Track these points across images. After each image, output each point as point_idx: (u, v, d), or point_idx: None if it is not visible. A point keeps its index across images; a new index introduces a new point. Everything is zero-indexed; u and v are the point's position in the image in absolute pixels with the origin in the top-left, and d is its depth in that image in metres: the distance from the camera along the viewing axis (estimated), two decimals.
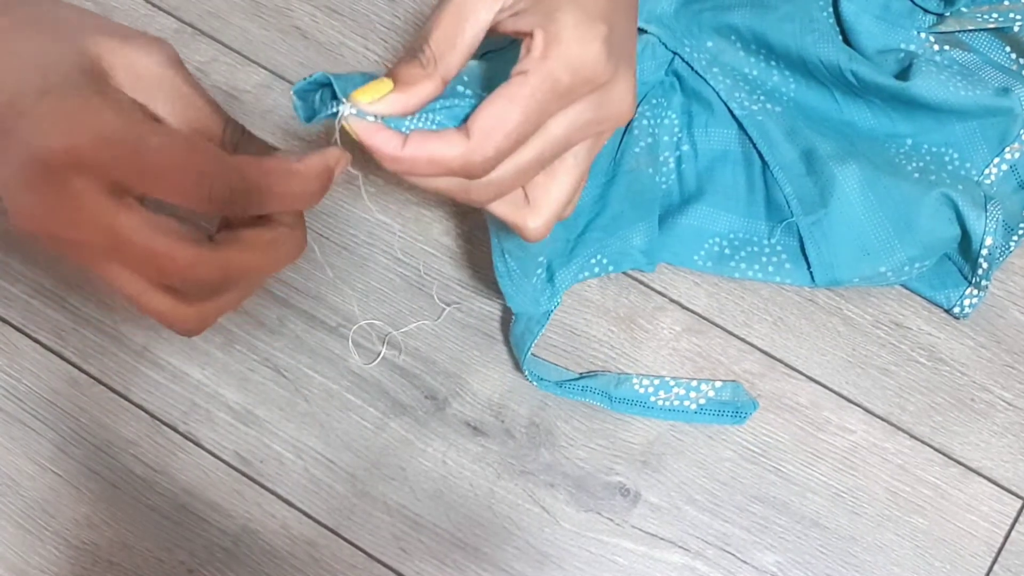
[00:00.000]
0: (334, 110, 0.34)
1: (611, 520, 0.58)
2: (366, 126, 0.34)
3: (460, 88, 0.36)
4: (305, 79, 0.35)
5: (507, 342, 0.60)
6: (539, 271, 0.55)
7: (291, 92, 0.35)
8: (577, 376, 0.59)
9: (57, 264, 0.62)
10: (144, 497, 0.59)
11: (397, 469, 0.59)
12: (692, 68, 0.61)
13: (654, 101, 0.61)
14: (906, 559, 0.57)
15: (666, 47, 0.60)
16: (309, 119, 0.35)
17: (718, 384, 0.59)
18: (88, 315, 0.61)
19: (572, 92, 0.34)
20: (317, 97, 0.35)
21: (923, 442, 0.59)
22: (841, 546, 0.57)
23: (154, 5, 0.67)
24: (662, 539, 0.58)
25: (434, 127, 0.35)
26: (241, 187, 0.32)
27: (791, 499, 0.58)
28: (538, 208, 0.38)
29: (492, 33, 0.36)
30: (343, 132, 0.34)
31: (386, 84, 0.34)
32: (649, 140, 0.60)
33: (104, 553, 0.58)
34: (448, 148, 0.33)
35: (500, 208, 0.38)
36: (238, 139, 0.35)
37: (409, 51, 0.35)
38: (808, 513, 0.58)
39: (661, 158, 0.61)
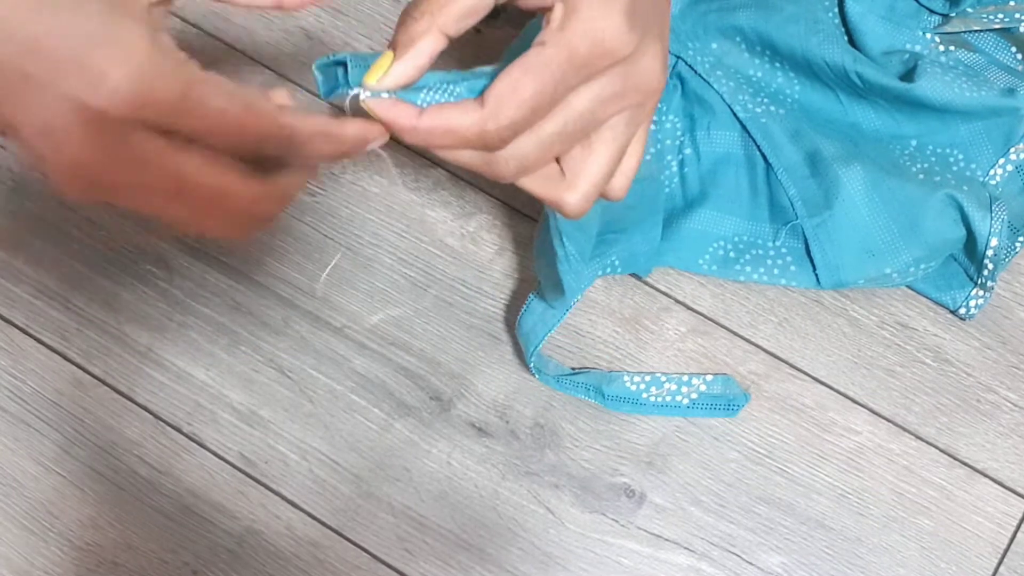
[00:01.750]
0: (346, 91, 0.34)
1: (616, 521, 0.58)
2: (381, 103, 0.34)
3: (481, 67, 0.36)
4: (328, 56, 0.35)
5: (512, 343, 0.60)
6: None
7: (313, 67, 0.36)
8: (571, 372, 0.59)
9: (61, 264, 0.62)
10: (148, 498, 0.58)
11: (402, 470, 0.59)
12: (695, 71, 0.61)
13: None
14: (911, 560, 0.57)
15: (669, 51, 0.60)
16: (328, 94, 0.35)
17: (709, 378, 0.59)
18: (92, 316, 0.61)
19: (591, 64, 0.34)
20: (339, 73, 0.35)
21: (929, 443, 0.59)
22: (846, 547, 0.57)
23: None
24: (667, 540, 0.58)
25: (453, 99, 0.34)
26: (289, 145, 0.33)
27: (796, 500, 0.58)
28: (575, 182, 0.37)
29: (511, 5, 0.35)
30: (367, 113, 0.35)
31: (388, 57, 0.34)
32: (652, 151, 0.60)
33: (108, 554, 0.58)
34: (463, 117, 0.33)
35: (532, 184, 0.37)
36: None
37: (404, 13, 0.34)
38: (813, 514, 0.58)
39: (663, 161, 0.61)
